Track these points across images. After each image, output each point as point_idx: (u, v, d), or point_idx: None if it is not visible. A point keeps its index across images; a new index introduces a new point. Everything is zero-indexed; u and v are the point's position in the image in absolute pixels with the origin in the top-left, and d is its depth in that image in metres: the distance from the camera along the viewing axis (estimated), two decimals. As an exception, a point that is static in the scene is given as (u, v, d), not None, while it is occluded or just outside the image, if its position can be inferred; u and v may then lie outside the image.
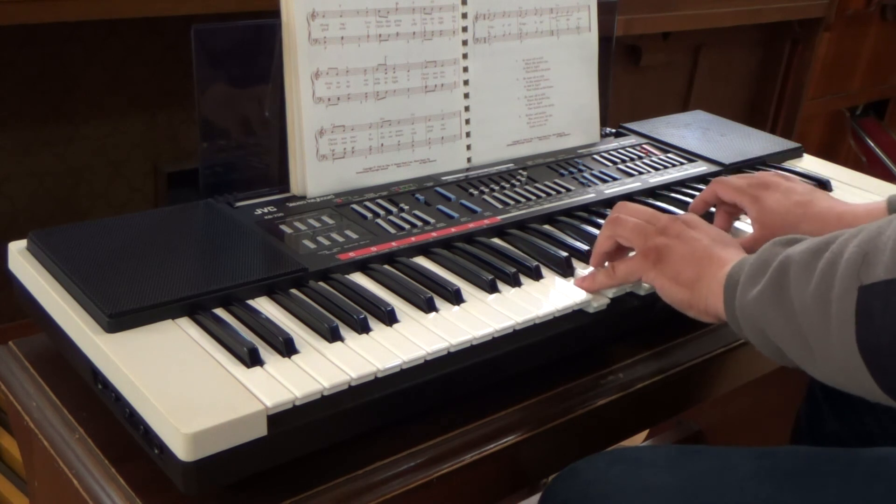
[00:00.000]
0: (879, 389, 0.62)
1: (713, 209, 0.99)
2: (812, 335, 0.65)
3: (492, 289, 0.82)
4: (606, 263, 0.86)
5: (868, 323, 0.60)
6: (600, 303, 0.83)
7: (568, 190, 1.03)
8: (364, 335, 0.73)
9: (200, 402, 0.63)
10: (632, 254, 0.85)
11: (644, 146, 1.21)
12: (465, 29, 1.04)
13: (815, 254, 0.66)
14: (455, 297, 0.79)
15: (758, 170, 1.18)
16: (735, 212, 0.98)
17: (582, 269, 0.87)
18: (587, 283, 0.84)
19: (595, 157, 1.15)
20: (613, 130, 1.26)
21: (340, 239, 0.86)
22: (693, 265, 0.78)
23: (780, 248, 0.71)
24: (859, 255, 0.62)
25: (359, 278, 0.83)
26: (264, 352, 0.69)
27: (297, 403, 0.65)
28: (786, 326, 0.67)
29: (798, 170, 1.20)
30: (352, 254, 0.84)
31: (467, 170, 1.06)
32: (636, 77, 2.18)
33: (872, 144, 3.00)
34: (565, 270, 0.87)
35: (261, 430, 0.63)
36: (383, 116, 0.98)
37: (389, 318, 0.75)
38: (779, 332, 0.68)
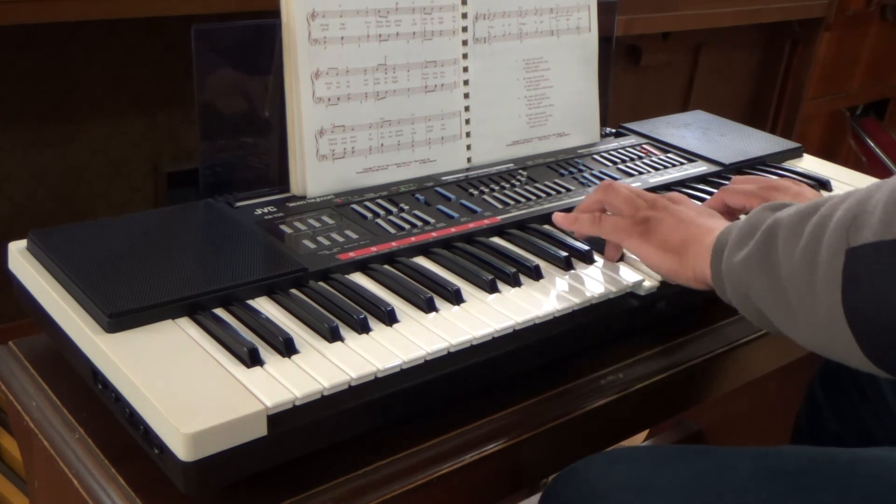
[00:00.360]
0: (863, 355, 0.61)
1: None
2: (797, 298, 0.64)
3: (492, 289, 0.82)
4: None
5: (855, 286, 0.60)
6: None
7: (568, 190, 1.03)
8: (364, 335, 0.73)
9: (200, 402, 0.63)
10: None
11: (644, 146, 1.21)
12: (465, 29, 1.04)
13: (803, 216, 0.66)
14: (455, 297, 0.79)
15: (758, 170, 1.18)
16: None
17: (582, 269, 0.87)
18: (567, 221, 0.86)
19: (595, 157, 1.15)
20: (613, 130, 1.26)
21: (340, 239, 0.86)
22: (681, 232, 0.80)
23: (770, 212, 0.71)
24: (848, 218, 0.61)
25: (359, 278, 0.83)
26: (264, 352, 0.69)
27: (297, 403, 0.65)
28: (771, 290, 0.67)
29: (798, 170, 1.20)
30: (352, 254, 0.84)
31: (467, 170, 1.06)
32: (636, 77, 2.18)
33: (872, 144, 3.00)
34: (565, 270, 0.87)
35: (261, 430, 0.63)
36: (383, 116, 0.98)
37: (389, 318, 0.75)
38: (763, 295, 0.68)
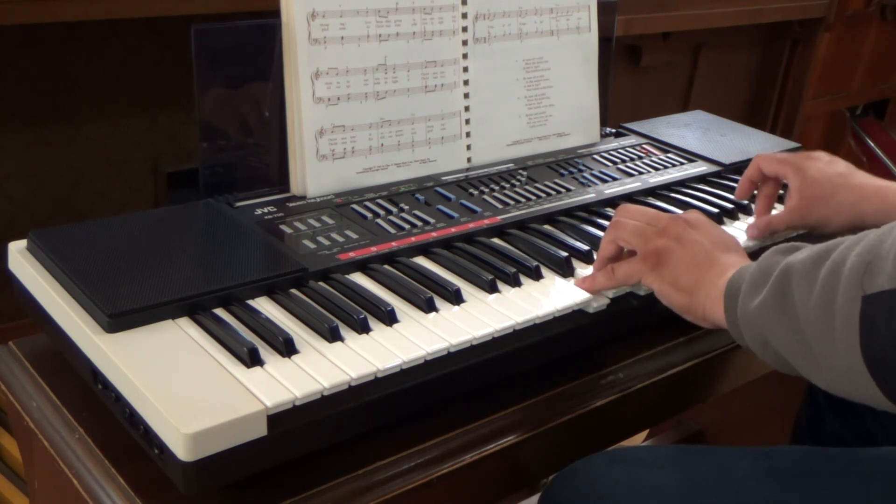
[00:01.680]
0: (884, 397, 0.62)
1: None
2: (816, 344, 0.64)
3: (492, 289, 0.82)
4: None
5: (872, 332, 0.60)
6: (600, 303, 0.83)
7: (568, 190, 1.03)
8: (364, 335, 0.73)
9: (200, 402, 0.63)
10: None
11: (644, 146, 1.21)
12: (465, 29, 1.04)
13: (816, 262, 0.65)
14: (455, 297, 0.79)
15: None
16: (774, 194, 1.00)
17: (582, 269, 0.87)
18: (587, 284, 0.84)
19: (595, 157, 1.15)
20: (613, 130, 1.26)
21: (340, 239, 0.86)
22: (692, 270, 0.78)
23: (780, 256, 0.71)
24: (862, 264, 0.62)
25: (359, 278, 0.83)
26: (264, 352, 0.69)
27: (297, 403, 0.65)
28: (789, 336, 0.67)
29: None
30: (352, 254, 0.84)
31: (467, 170, 1.06)
32: (636, 77, 2.18)
33: (872, 144, 3.00)
34: (565, 270, 0.87)
35: (261, 430, 0.63)
36: (383, 116, 0.98)
37: (389, 318, 0.75)
38: (782, 341, 0.68)
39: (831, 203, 0.93)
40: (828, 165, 0.95)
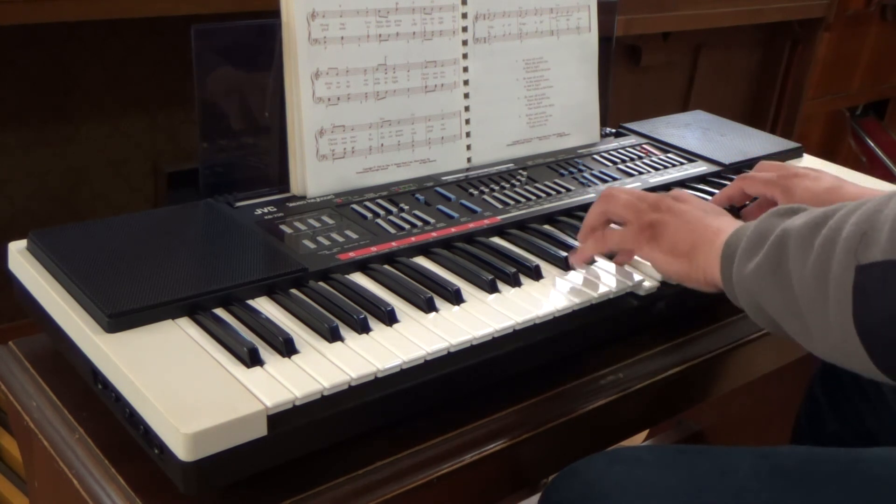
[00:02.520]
0: (876, 368, 0.62)
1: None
2: (809, 312, 0.64)
3: (492, 289, 0.82)
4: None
5: (865, 302, 0.60)
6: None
7: (568, 190, 1.03)
8: (364, 335, 0.73)
9: (200, 402, 0.63)
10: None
11: (644, 146, 1.21)
12: (465, 29, 1.04)
13: (813, 228, 0.65)
14: (455, 297, 0.79)
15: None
16: (759, 212, 0.99)
17: (582, 270, 0.87)
18: (578, 255, 0.84)
19: (595, 157, 1.15)
20: (613, 130, 1.26)
21: (340, 239, 0.86)
22: (688, 235, 0.78)
23: (779, 219, 0.70)
24: (857, 234, 0.61)
25: (359, 278, 0.83)
26: (264, 352, 0.69)
27: (297, 403, 0.65)
28: (783, 301, 0.67)
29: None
30: (352, 254, 0.84)
31: (467, 170, 1.06)
32: (636, 77, 2.18)
33: (872, 144, 3.00)
34: (565, 270, 0.87)
35: (261, 431, 0.63)
36: (383, 116, 0.98)
37: (389, 318, 0.75)
38: (775, 306, 0.68)
39: None
40: (815, 182, 0.94)
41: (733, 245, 0.73)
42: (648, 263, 0.85)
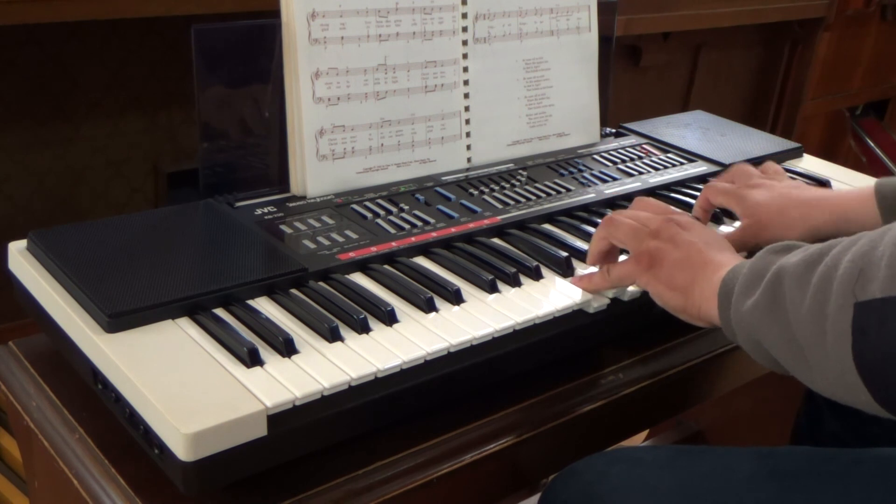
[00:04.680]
0: (876, 404, 0.62)
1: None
2: (808, 349, 0.64)
3: (492, 289, 0.82)
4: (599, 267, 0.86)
5: (864, 339, 0.60)
6: (600, 303, 0.83)
7: (568, 190, 1.03)
8: (364, 335, 0.73)
9: (200, 402, 0.63)
10: (623, 257, 0.85)
11: (644, 146, 1.21)
12: (465, 29, 1.04)
13: (809, 266, 0.65)
14: (455, 297, 0.79)
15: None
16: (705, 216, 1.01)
17: (582, 269, 0.87)
18: (584, 283, 0.84)
19: (595, 157, 1.15)
20: (613, 130, 1.26)
21: (340, 239, 0.86)
22: (686, 270, 0.78)
23: (774, 256, 0.70)
24: (854, 270, 0.61)
25: (359, 278, 0.83)
26: (264, 352, 0.69)
27: (297, 403, 0.65)
28: (782, 338, 0.67)
29: (798, 170, 1.20)
30: (352, 254, 0.84)
31: (467, 170, 1.06)
32: (636, 77, 2.18)
33: (872, 144, 3.00)
34: (565, 270, 0.87)
35: (261, 430, 0.63)
36: (383, 116, 0.98)
37: (389, 318, 0.75)
38: (775, 343, 0.68)
39: (781, 220, 0.93)
40: (769, 189, 0.94)
41: (730, 283, 0.73)
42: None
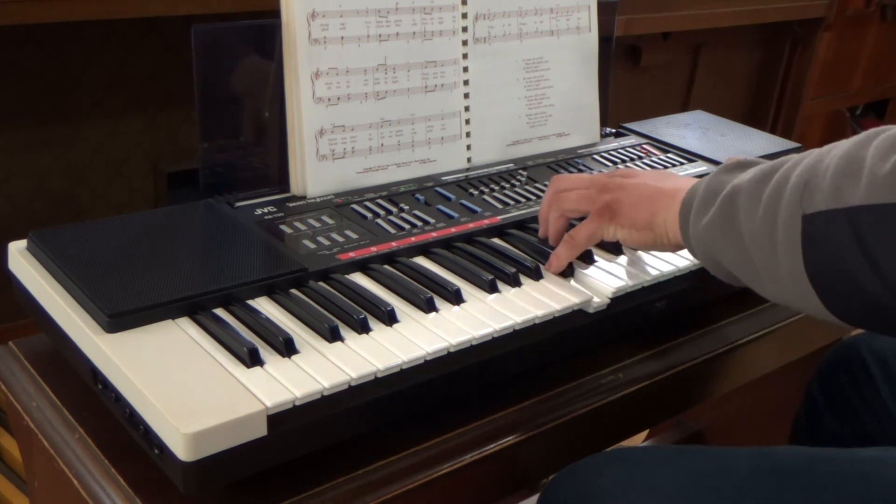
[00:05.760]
0: (828, 312, 0.64)
1: None
2: (762, 262, 0.67)
3: (492, 289, 0.82)
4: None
5: (812, 249, 0.62)
6: (600, 303, 0.83)
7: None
8: (364, 335, 0.73)
9: (200, 402, 0.63)
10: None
11: (644, 146, 1.21)
12: (465, 29, 1.04)
13: (761, 181, 0.68)
14: (455, 297, 0.79)
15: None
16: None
17: (582, 269, 0.87)
18: (553, 264, 0.85)
19: (595, 157, 1.15)
20: (613, 130, 1.26)
21: (340, 239, 0.86)
22: (645, 206, 0.80)
23: (728, 174, 0.73)
24: (801, 184, 0.64)
25: (359, 278, 0.83)
26: (264, 352, 0.69)
27: (297, 403, 0.65)
28: (736, 253, 0.69)
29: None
30: (352, 254, 0.84)
31: (467, 170, 1.06)
32: (636, 77, 2.18)
33: (872, 144, 2.99)
34: (565, 270, 0.87)
35: (261, 430, 0.63)
36: (383, 116, 0.98)
37: (389, 318, 0.75)
38: (730, 258, 0.70)
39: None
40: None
41: (688, 203, 0.75)
42: (646, 262, 0.85)
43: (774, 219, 0.65)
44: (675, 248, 0.81)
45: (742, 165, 0.74)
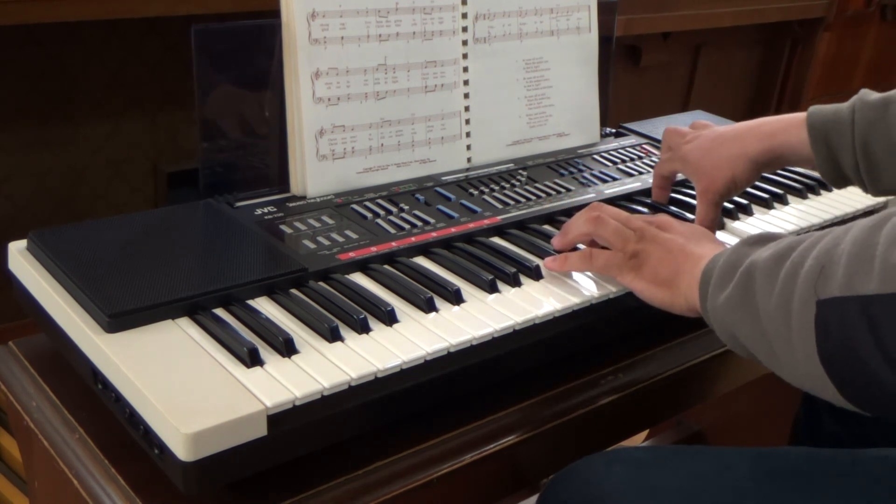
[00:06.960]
0: (842, 397, 0.63)
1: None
2: (777, 343, 0.66)
3: (492, 289, 0.82)
4: (581, 247, 0.87)
5: (826, 336, 0.61)
6: (601, 301, 0.82)
7: (568, 190, 1.03)
8: (364, 335, 0.73)
9: (200, 402, 0.63)
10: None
11: (644, 146, 1.21)
12: (465, 29, 1.04)
13: (778, 261, 0.67)
14: (455, 297, 0.79)
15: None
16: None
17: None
18: (558, 264, 0.85)
19: (595, 157, 1.15)
20: (613, 130, 1.26)
21: (340, 239, 0.86)
22: (669, 264, 0.80)
23: (748, 248, 0.72)
24: (816, 268, 0.63)
25: (359, 278, 0.83)
26: (264, 352, 0.69)
27: (297, 403, 0.65)
28: (753, 331, 0.68)
29: (798, 169, 1.20)
30: (352, 254, 0.84)
31: (467, 170, 1.06)
32: (636, 77, 2.18)
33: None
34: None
35: (261, 430, 0.63)
36: (383, 116, 0.98)
37: (389, 318, 0.75)
38: (747, 336, 0.69)
39: (717, 161, 0.95)
40: (701, 137, 0.98)
41: (708, 274, 0.74)
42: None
43: (789, 302, 0.64)
44: (690, 312, 0.79)
45: (762, 240, 0.72)
